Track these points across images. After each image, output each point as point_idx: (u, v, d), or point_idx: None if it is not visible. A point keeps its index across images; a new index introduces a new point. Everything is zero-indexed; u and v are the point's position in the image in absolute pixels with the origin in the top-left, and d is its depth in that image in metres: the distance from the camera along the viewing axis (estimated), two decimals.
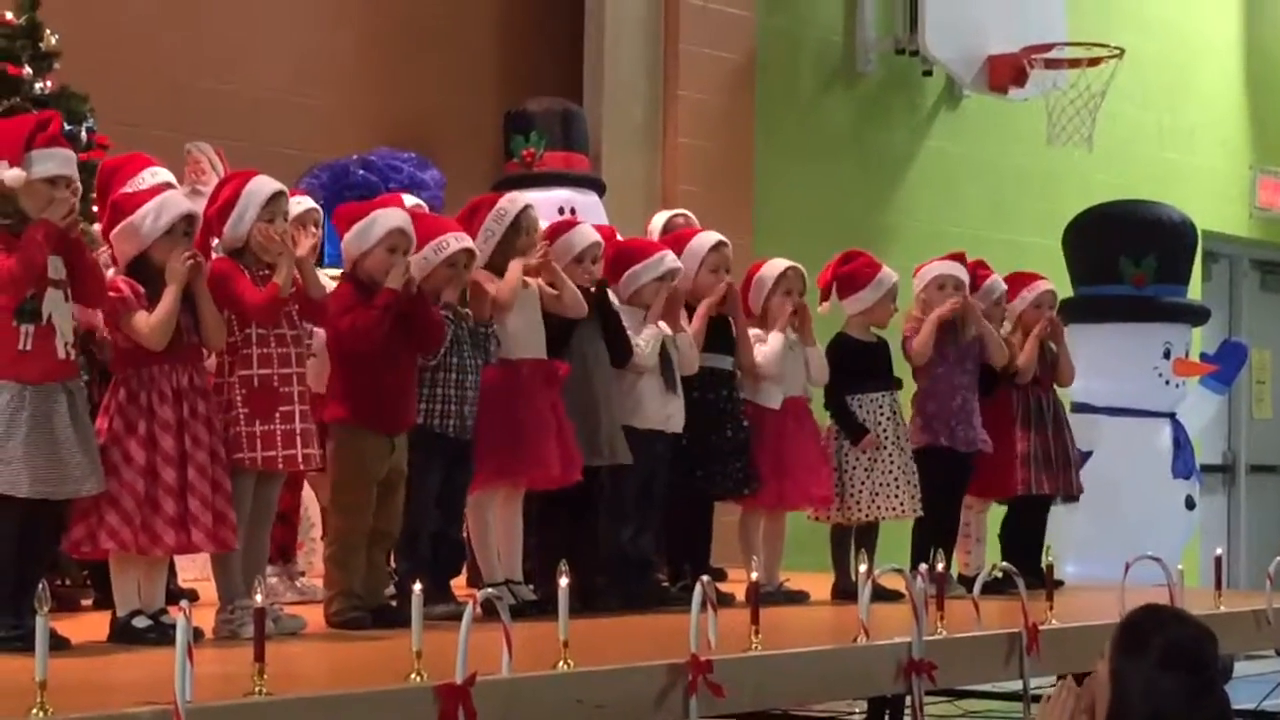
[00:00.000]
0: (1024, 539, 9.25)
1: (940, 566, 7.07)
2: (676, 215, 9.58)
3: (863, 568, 6.84)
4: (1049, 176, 14.34)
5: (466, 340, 7.20)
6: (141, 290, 6.24)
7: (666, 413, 7.95)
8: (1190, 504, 12.37)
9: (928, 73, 13.55)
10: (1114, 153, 14.47)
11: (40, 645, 4.49)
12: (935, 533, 8.60)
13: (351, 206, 7.26)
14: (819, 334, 8.62)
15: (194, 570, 7.88)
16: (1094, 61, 13.22)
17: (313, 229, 7.42)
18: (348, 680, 5.76)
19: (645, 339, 7.86)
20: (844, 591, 8.36)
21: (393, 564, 7.29)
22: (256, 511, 6.58)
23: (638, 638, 7.15)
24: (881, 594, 7.28)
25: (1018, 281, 9.43)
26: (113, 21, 9.82)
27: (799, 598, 8.37)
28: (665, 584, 8.13)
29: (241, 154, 8.66)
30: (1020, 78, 13.17)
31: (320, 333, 7.06)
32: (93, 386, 6.67)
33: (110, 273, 6.38)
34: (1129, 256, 12.19)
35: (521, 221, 7.56)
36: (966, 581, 8.29)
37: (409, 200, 7.88)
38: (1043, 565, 8.09)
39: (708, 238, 8.40)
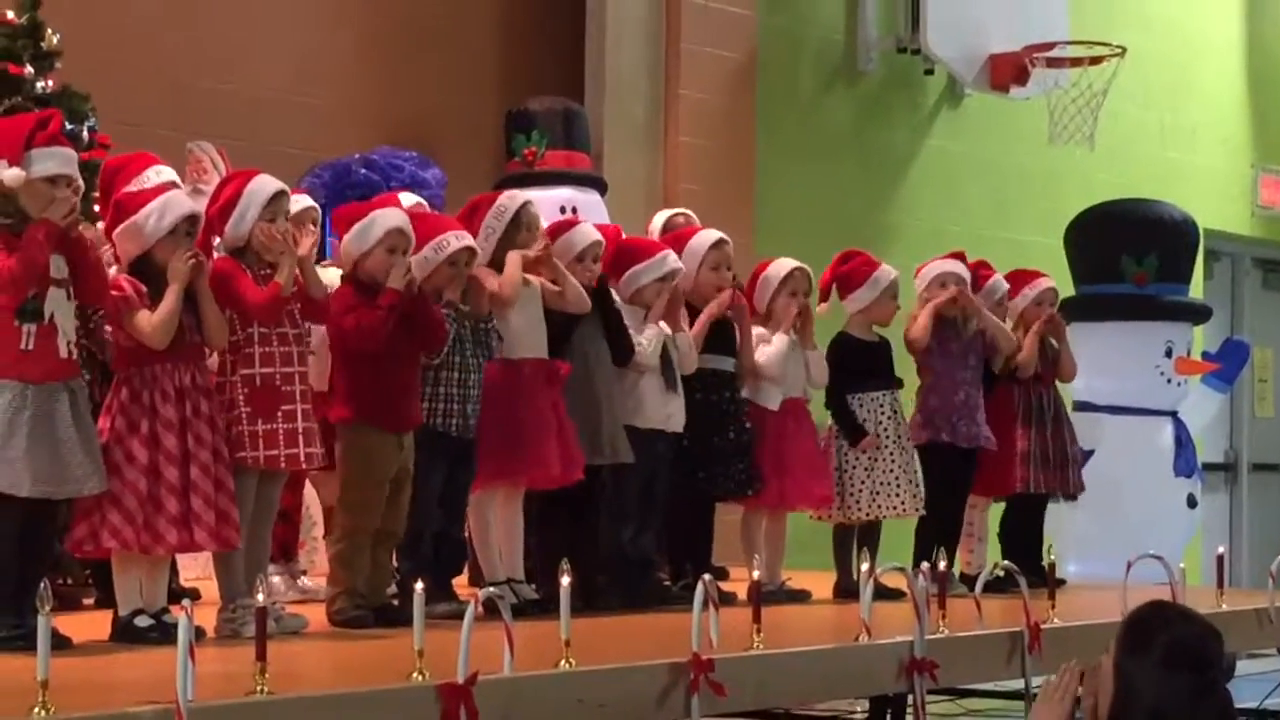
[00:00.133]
0: (1023, 537, 9.26)
1: (942, 565, 7.06)
2: (676, 214, 9.58)
3: (864, 566, 6.83)
4: (1051, 175, 14.34)
5: (469, 339, 7.21)
6: (144, 289, 6.24)
7: (667, 412, 7.96)
8: (1192, 502, 12.36)
9: (929, 72, 13.54)
10: (1116, 152, 14.47)
11: (42, 644, 4.49)
12: (938, 530, 8.60)
13: (350, 207, 7.26)
14: (821, 335, 8.62)
15: (195, 569, 7.88)
16: (1096, 60, 13.22)
17: (310, 227, 7.42)
18: (349, 679, 5.76)
19: (647, 338, 7.87)
20: (846, 590, 8.36)
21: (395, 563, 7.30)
22: (258, 510, 6.58)
23: (639, 637, 7.14)
24: (883, 593, 7.28)
25: (1019, 279, 9.44)
26: (114, 21, 9.82)
27: (801, 597, 8.37)
28: (667, 583, 8.12)
29: (243, 153, 8.66)
30: (1022, 77, 13.17)
31: (320, 330, 7.06)
32: (94, 386, 6.66)
33: (112, 272, 6.38)
34: (1131, 255, 12.19)
35: (521, 217, 7.57)
36: (968, 580, 8.29)
37: (407, 199, 7.88)
38: (1044, 564, 8.10)
39: (708, 236, 8.41)
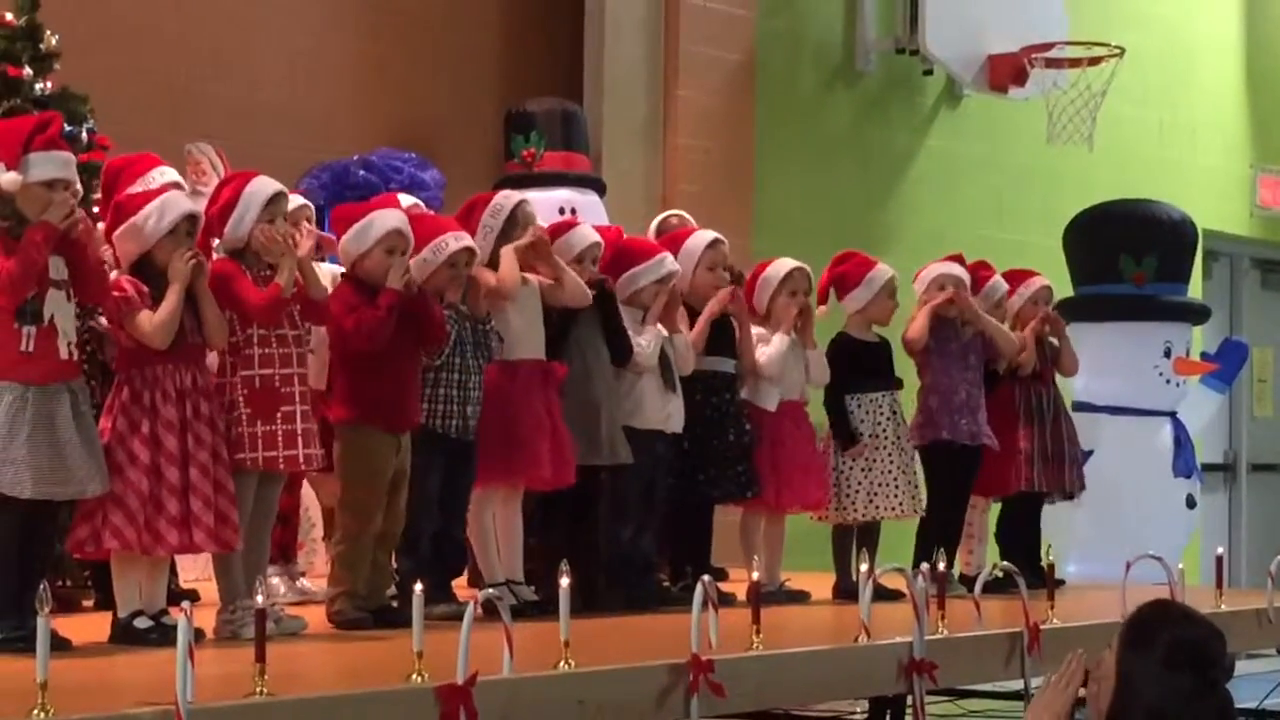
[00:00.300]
0: (1021, 538, 9.26)
1: (941, 566, 7.07)
2: (671, 215, 9.58)
3: (864, 567, 6.83)
4: (1049, 176, 14.34)
5: (469, 340, 7.21)
6: (146, 290, 6.25)
7: (666, 412, 7.96)
8: (1191, 503, 12.37)
9: (928, 72, 13.54)
10: (1114, 152, 14.46)
11: (41, 646, 4.50)
12: (939, 530, 8.60)
13: (349, 207, 7.26)
14: (820, 338, 8.62)
15: (195, 570, 7.88)
16: (1094, 61, 13.22)
17: (308, 226, 7.43)
18: (349, 681, 5.76)
19: (647, 340, 7.87)
20: (845, 591, 8.36)
21: (395, 564, 7.30)
22: (257, 512, 6.58)
23: (639, 638, 7.15)
24: (883, 594, 7.27)
25: (1014, 279, 9.44)
26: (113, 22, 9.82)
27: (800, 597, 8.37)
28: (666, 584, 8.13)
29: (241, 154, 8.66)
30: (1020, 77, 13.17)
31: (320, 329, 7.06)
32: (94, 386, 6.66)
33: (113, 275, 6.37)
34: (1129, 255, 12.19)
35: (518, 215, 7.57)
36: (967, 581, 8.29)
37: (405, 200, 7.88)
38: (1043, 565, 8.10)
39: (703, 236, 8.42)
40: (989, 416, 9.00)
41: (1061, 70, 13.26)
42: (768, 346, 8.37)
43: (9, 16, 8.21)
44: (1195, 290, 13.69)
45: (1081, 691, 4.66)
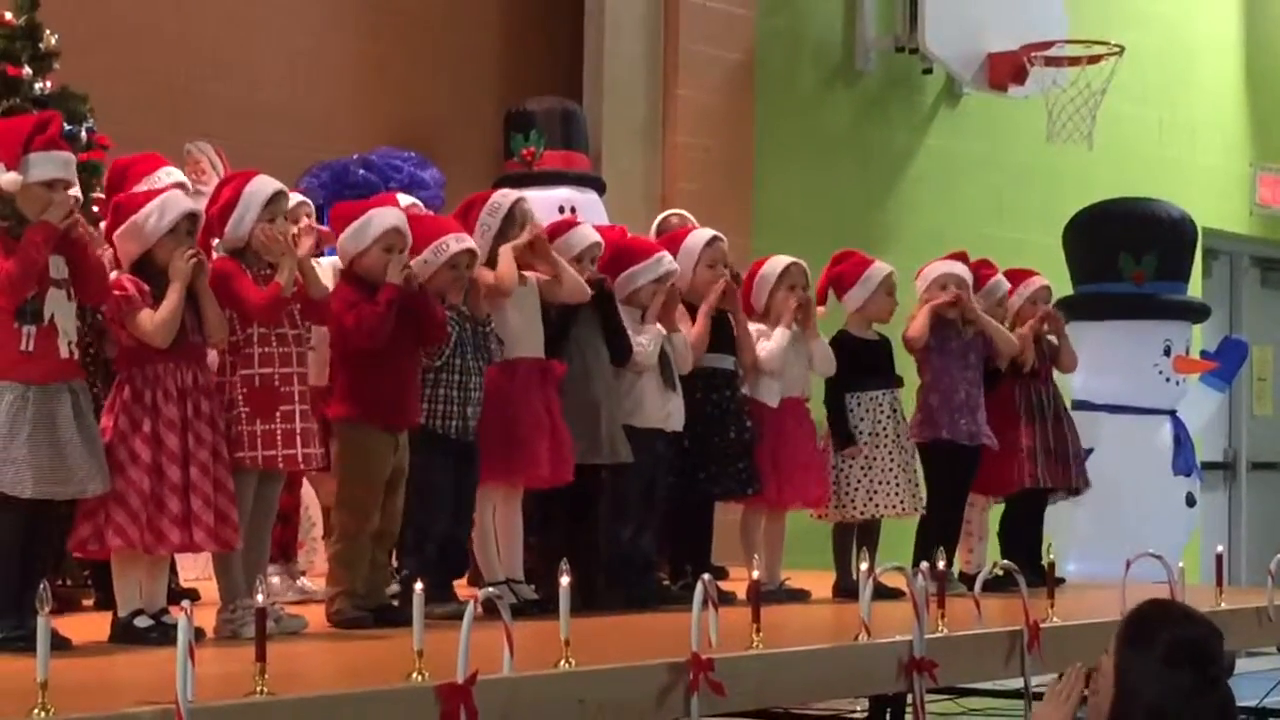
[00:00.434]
0: (1023, 536, 9.26)
1: (941, 564, 7.07)
2: (671, 215, 9.58)
3: (864, 566, 6.83)
4: (1049, 174, 14.34)
5: (470, 342, 7.21)
6: (147, 288, 6.25)
7: (666, 411, 7.96)
8: (1191, 501, 12.37)
9: (928, 71, 13.54)
10: (1114, 150, 14.46)
11: (42, 645, 4.50)
12: (939, 529, 8.60)
13: (348, 205, 7.26)
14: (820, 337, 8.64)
15: (195, 570, 7.88)
16: (1094, 59, 13.22)
17: (307, 222, 7.43)
18: (349, 680, 5.76)
19: (647, 339, 7.87)
20: (845, 590, 8.36)
21: (395, 563, 7.30)
22: (257, 511, 6.58)
23: (639, 636, 7.15)
24: (883, 592, 7.27)
25: (1014, 278, 9.43)
26: (113, 22, 9.82)
27: (800, 596, 8.37)
28: (666, 583, 8.13)
29: (241, 154, 8.66)
30: (1020, 75, 13.17)
31: (321, 327, 7.06)
32: (94, 386, 6.66)
33: (114, 275, 6.37)
34: (1129, 254, 12.20)
35: (515, 214, 7.57)
36: (967, 579, 8.29)
37: (404, 200, 7.88)
38: (1044, 563, 8.09)
39: (702, 234, 8.43)
40: (989, 415, 9.00)
41: (1061, 69, 13.27)
42: (768, 342, 8.37)
43: (8, 16, 8.21)
44: (1195, 289, 13.69)
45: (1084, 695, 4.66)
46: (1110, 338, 12.02)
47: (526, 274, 7.51)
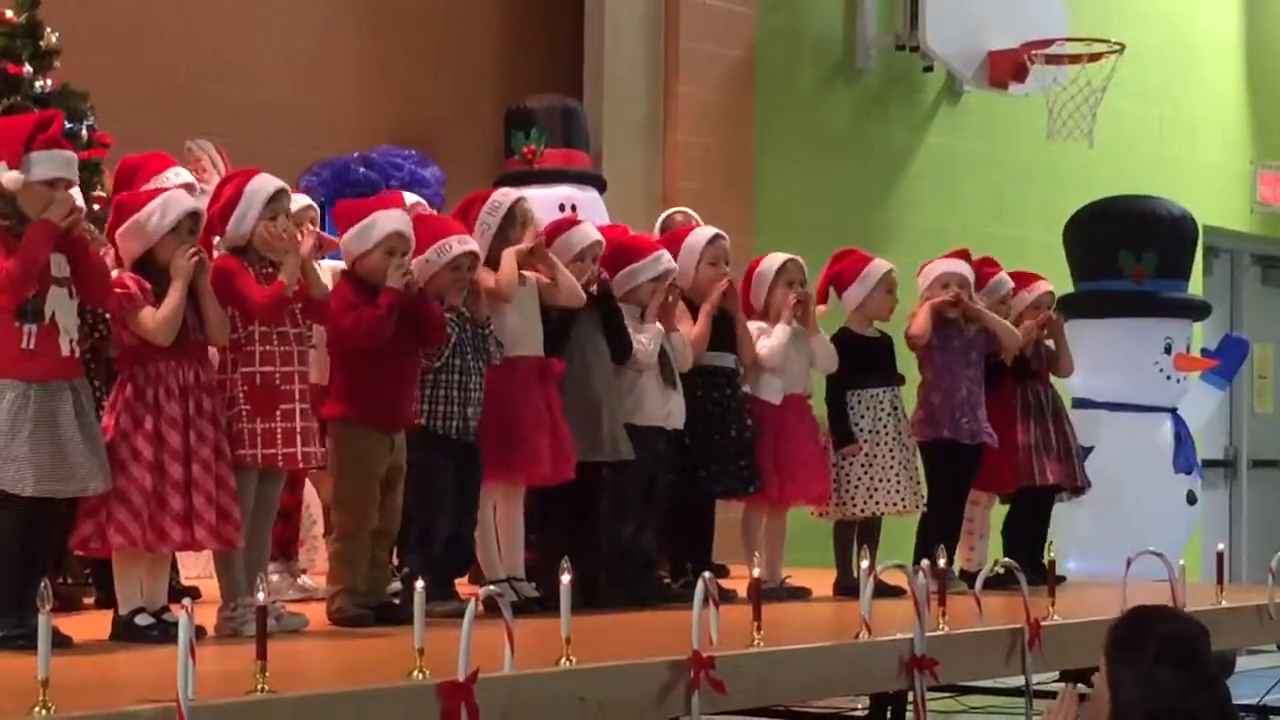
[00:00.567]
0: (1028, 536, 9.26)
1: (942, 562, 7.07)
2: (675, 213, 9.58)
3: (865, 564, 6.83)
4: (1050, 172, 14.34)
5: (470, 342, 7.21)
6: (149, 287, 6.25)
7: (667, 409, 7.96)
8: (1191, 499, 12.37)
9: (928, 69, 13.54)
10: (1114, 148, 14.46)
11: (43, 643, 4.50)
12: (939, 527, 8.60)
13: (352, 204, 7.25)
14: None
15: (196, 568, 7.88)
16: (1094, 57, 13.22)
17: (310, 226, 7.42)
18: (350, 678, 5.76)
19: (647, 338, 7.87)
20: (846, 588, 8.36)
21: (395, 561, 7.30)
22: (258, 509, 6.58)
23: (640, 634, 7.15)
24: (883, 590, 7.28)
25: (1018, 281, 9.43)
26: (113, 20, 9.82)
27: (801, 594, 8.37)
28: (667, 581, 8.13)
29: (242, 153, 8.66)
30: (1021, 73, 13.17)
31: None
32: (96, 385, 6.66)
33: (115, 274, 6.37)
34: (1130, 251, 12.19)
35: (515, 213, 7.57)
36: (968, 577, 8.29)
37: (409, 198, 7.88)
38: (1045, 561, 8.09)
39: (704, 232, 8.43)
40: (990, 415, 9.00)
41: (1061, 67, 13.26)
42: (769, 339, 8.37)
43: (9, 14, 8.22)
44: (1195, 286, 13.68)
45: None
46: (1111, 335, 12.01)
47: (526, 274, 7.51)
